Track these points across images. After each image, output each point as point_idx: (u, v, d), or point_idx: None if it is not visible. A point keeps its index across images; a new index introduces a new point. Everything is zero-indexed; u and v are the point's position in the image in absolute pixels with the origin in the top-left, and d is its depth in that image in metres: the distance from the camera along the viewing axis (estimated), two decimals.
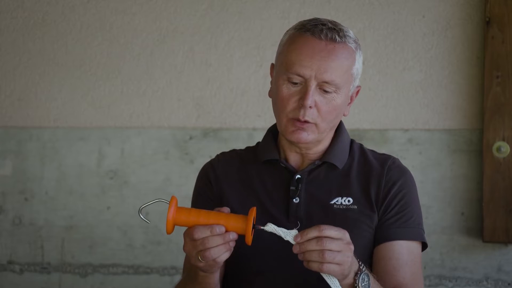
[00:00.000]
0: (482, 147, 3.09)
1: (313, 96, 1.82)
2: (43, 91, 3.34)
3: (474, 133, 3.14)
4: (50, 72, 3.34)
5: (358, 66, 1.88)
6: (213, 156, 2.05)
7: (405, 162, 2.10)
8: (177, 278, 3.23)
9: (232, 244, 1.67)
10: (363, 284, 1.67)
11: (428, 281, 3.13)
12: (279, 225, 1.68)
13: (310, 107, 1.82)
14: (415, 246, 1.89)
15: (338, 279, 1.65)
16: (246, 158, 2.00)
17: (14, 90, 3.35)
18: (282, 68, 1.86)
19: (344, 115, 1.92)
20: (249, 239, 1.66)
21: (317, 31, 1.83)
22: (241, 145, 2.11)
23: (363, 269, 1.69)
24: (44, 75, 3.34)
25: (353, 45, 1.86)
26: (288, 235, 1.66)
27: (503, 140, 3.07)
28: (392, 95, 3.20)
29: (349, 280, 1.67)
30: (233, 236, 1.65)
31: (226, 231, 1.65)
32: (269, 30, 3.25)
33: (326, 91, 1.83)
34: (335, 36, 1.83)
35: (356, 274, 1.67)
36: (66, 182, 3.31)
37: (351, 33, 1.87)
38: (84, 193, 3.31)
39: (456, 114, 3.16)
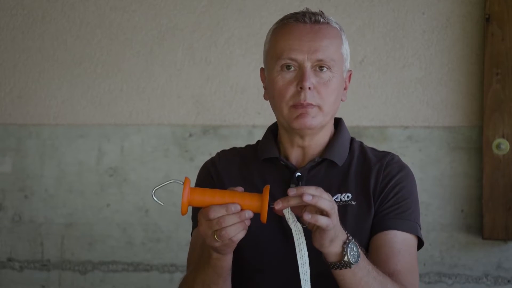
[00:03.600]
0: (481, 144, 3.09)
1: (310, 78, 1.83)
2: (42, 89, 3.34)
3: (473, 130, 3.14)
4: (49, 69, 3.34)
5: (346, 47, 1.91)
6: (213, 154, 2.05)
7: (404, 159, 2.09)
8: (177, 275, 3.23)
9: (248, 222, 1.65)
10: (351, 253, 1.66)
11: (427, 278, 3.13)
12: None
13: (309, 88, 1.83)
14: (409, 238, 1.87)
15: (324, 245, 1.64)
16: (247, 156, 1.99)
17: (13, 87, 3.35)
18: (273, 60, 1.88)
19: (342, 100, 1.92)
20: (264, 217, 1.64)
21: (300, 17, 1.89)
22: (240, 143, 2.11)
23: (351, 239, 1.68)
24: (43, 72, 3.34)
25: (337, 26, 1.91)
26: (294, 224, 1.65)
27: (503, 137, 3.07)
28: (392, 92, 3.20)
29: (337, 248, 1.65)
30: (248, 214, 1.64)
31: (242, 209, 1.64)
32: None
33: (321, 70, 1.85)
34: (318, 18, 1.88)
35: (344, 243, 1.66)
36: (66, 180, 3.31)
37: (332, 18, 1.92)
38: (83, 190, 3.31)
39: (456, 111, 3.16)
